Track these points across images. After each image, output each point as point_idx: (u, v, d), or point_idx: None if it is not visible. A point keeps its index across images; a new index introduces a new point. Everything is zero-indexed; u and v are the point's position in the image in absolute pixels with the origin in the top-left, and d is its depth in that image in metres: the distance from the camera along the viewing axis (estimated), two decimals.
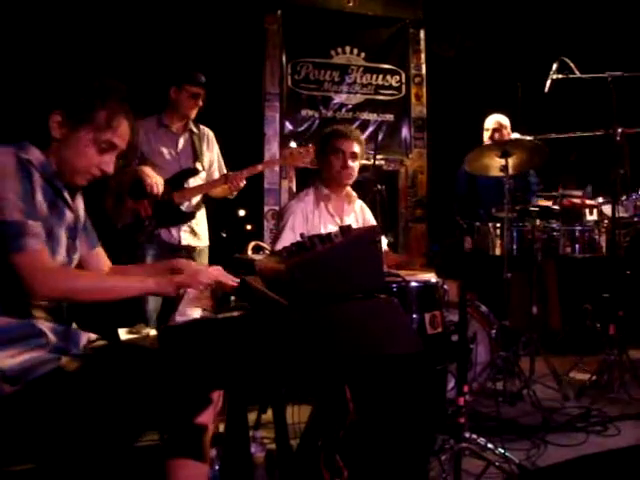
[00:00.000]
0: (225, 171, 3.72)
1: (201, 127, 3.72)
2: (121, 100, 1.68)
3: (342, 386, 1.78)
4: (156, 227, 3.46)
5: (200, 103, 3.59)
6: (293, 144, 3.84)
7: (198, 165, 3.60)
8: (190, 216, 3.60)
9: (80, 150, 1.63)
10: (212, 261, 3.78)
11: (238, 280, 1.73)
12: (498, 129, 4.30)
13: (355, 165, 2.99)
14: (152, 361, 1.54)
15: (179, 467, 1.50)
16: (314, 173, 3.13)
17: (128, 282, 1.66)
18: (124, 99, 1.69)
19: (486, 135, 4.34)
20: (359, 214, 3.12)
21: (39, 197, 1.57)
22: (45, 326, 1.58)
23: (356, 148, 2.97)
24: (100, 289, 1.59)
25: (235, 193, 3.61)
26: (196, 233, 3.66)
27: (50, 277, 1.51)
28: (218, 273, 1.74)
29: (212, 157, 3.74)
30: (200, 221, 3.70)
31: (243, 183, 3.50)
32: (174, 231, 3.54)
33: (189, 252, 3.60)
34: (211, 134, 3.77)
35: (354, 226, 2.91)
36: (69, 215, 1.70)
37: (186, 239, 3.60)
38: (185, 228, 3.59)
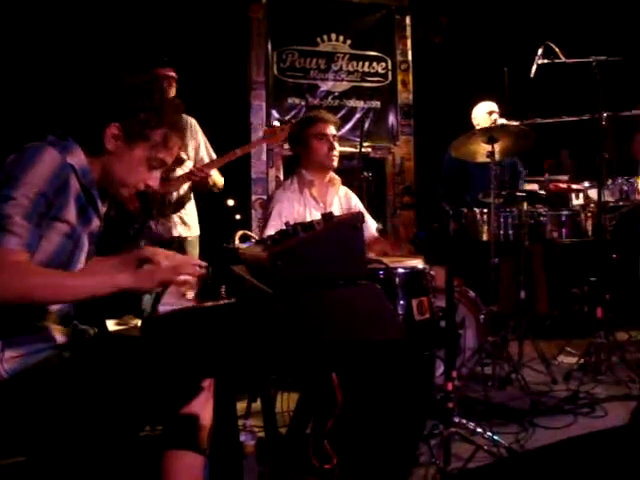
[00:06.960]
0: (214, 156, 3.69)
1: (183, 116, 3.68)
2: (178, 118, 1.67)
3: (329, 373, 1.78)
4: (145, 220, 3.43)
5: (173, 86, 3.55)
6: (276, 123, 3.81)
7: (182, 154, 3.57)
8: (179, 206, 3.57)
9: (132, 166, 1.61)
10: (202, 251, 3.77)
11: (205, 265, 1.66)
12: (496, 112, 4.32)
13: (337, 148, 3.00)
14: (139, 351, 1.53)
15: (174, 458, 1.49)
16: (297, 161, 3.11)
17: (95, 279, 1.47)
18: (181, 117, 1.68)
19: (488, 120, 4.30)
20: (343, 199, 3.10)
21: (71, 203, 1.53)
22: (55, 330, 1.57)
23: (335, 131, 3.00)
24: (56, 286, 1.41)
25: (215, 186, 3.59)
26: (186, 223, 3.64)
27: (4, 275, 1.35)
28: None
29: (197, 144, 3.71)
30: (190, 211, 3.68)
31: (208, 173, 3.47)
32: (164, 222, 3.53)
33: (180, 243, 3.58)
34: (193, 121, 3.73)
35: (338, 211, 2.94)
36: (96, 222, 1.67)
37: (176, 230, 3.58)
38: (175, 219, 3.57)
